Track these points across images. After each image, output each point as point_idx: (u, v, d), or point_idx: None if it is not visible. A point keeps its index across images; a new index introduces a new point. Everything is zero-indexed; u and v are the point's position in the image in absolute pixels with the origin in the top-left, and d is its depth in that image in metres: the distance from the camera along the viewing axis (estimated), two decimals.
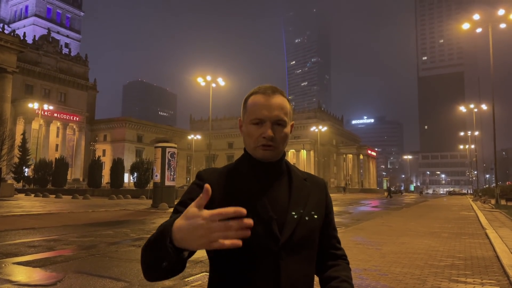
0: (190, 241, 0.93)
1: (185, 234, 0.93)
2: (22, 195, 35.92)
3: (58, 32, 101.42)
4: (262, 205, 1.24)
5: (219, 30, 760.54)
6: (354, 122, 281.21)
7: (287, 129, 1.32)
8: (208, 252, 1.26)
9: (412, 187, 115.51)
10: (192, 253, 1.04)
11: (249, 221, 0.92)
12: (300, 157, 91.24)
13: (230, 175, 1.32)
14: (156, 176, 22.48)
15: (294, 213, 1.27)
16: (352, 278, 1.37)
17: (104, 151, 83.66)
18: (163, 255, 0.98)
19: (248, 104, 1.33)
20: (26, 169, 52.67)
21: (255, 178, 1.30)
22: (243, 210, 0.91)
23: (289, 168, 1.37)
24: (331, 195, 1.45)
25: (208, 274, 1.32)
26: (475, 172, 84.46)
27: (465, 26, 28.67)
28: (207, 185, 0.93)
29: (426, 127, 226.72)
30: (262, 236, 1.20)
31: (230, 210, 0.90)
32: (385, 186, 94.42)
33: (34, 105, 56.02)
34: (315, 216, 1.33)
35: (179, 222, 0.95)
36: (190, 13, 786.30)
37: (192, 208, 0.93)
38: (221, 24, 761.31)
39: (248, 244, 1.18)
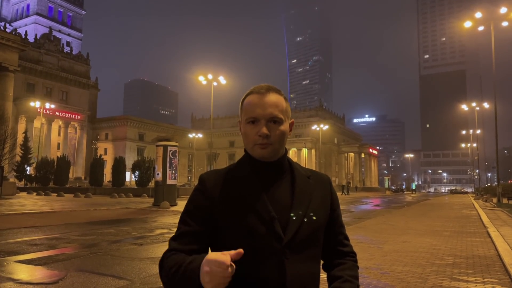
0: (208, 284, 1.04)
1: (207, 279, 1.04)
2: (24, 194, 35.93)
3: (59, 31, 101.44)
4: (264, 206, 1.24)
5: (220, 29, 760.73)
6: (355, 120, 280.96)
7: (284, 127, 1.30)
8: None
9: (413, 186, 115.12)
10: None
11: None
12: (301, 156, 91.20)
13: (232, 176, 1.31)
14: (158, 174, 22.51)
15: (297, 212, 1.26)
16: (358, 276, 1.35)
17: (105, 149, 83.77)
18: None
19: (244, 104, 1.35)
20: (28, 168, 52.69)
21: (257, 178, 1.29)
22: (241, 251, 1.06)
23: (292, 166, 1.37)
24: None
25: None
26: (477, 171, 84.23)
27: (467, 24, 28.53)
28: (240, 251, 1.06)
29: (427, 125, 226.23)
30: (265, 236, 1.21)
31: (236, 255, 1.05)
32: (386, 185, 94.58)
33: (35, 104, 56.17)
34: (319, 214, 1.31)
35: (205, 268, 1.05)
36: (191, 12, 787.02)
37: (223, 257, 1.04)
38: (222, 22, 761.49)
39: (252, 245, 1.20)
